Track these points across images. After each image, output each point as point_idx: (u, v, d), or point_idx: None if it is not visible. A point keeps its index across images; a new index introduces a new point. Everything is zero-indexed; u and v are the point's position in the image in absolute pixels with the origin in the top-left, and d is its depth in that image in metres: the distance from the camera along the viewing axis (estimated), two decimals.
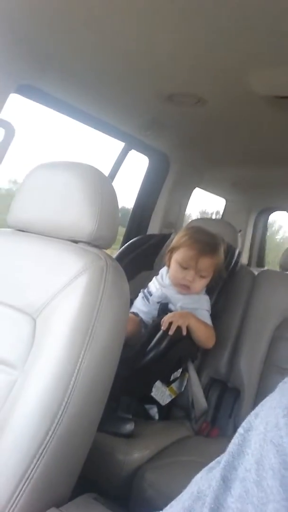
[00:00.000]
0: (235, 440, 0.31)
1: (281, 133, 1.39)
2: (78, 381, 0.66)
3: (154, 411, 1.40)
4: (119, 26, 0.87)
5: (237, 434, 0.31)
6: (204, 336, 1.32)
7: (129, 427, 1.16)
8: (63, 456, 0.63)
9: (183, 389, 1.43)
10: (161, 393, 1.35)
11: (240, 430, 0.31)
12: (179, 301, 1.37)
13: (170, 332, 1.21)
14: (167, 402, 1.36)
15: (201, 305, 1.38)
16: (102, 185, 0.85)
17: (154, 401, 1.35)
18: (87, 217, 0.81)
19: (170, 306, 1.37)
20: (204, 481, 0.31)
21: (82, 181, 0.83)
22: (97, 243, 0.84)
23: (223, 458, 0.31)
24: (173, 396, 1.38)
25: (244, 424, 0.32)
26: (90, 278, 0.74)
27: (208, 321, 1.36)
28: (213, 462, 0.33)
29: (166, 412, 1.45)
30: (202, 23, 0.78)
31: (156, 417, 1.39)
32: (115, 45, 0.96)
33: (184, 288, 1.36)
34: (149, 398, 1.33)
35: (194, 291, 1.37)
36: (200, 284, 1.35)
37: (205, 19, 0.77)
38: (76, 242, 0.85)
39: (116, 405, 1.20)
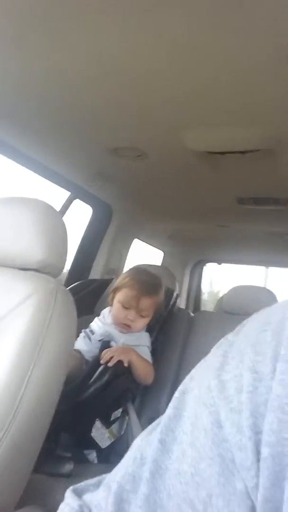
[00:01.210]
0: (172, 404, 0.32)
1: (210, 188, 1.59)
2: (26, 395, 0.68)
3: (93, 456, 1.37)
4: (67, 85, 0.97)
5: (173, 398, 0.33)
6: (144, 371, 1.37)
7: (68, 466, 1.13)
8: (9, 469, 0.63)
9: (122, 432, 1.43)
10: (101, 434, 1.34)
11: (176, 394, 0.33)
12: (121, 338, 1.42)
13: (110, 364, 1.24)
14: (107, 445, 1.35)
15: (142, 342, 1.44)
16: (52, 218, 0.92)
17: (93, 446, 1.33)
18: (37, 247, 0.87)
19: (112, 343, 1.41)
20: (145, 444, 0.32)
21: (33, 213, 0.90)
22: (46, 271, 0.89)
23: (161, 421, 0.32)
24: (112, 439, 1.37)
25: (180, 387, 0.33)
26: (40, 298, 0.78)
27: (148, 357, 1.41)
28: (152, 424, 0.34)
29: (105, 457, 1.42)
30: (142, 82, 0.91)
31: (95, 461, 1.36)
32: (66, 102, 1.07)
33: (125, 327, 1.42)
34: (88, 442, 1.31)
35: (135, 330, 1.43)
36: (141, 323, 1.42)
37: (144, 80, 0.90)
38: (25, 270, 0.89)
39: (55, 445, 1.17)
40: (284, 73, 0.77)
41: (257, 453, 0.25)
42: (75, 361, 1.35)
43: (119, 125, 1.15)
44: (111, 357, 1.27)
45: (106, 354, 1.28)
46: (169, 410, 0.32)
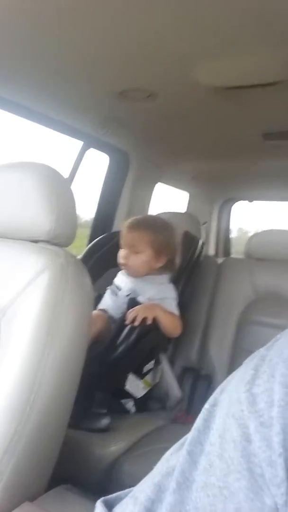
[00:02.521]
0: (201, 415, 0.32)
1: (232, 125, 1.44)
2: (44, 377, 0.67)
3: (130, 404, 1.42)
4: (67, 25, 0.87)
5: (203, 410, 0.32)
6: (171, 325, 1.35)
7: (104, 421, 1.18)
8: (34, 452, 0.64)
9: (157, 380, 1.46)
10: (136, 386, 1.37)
11: (206, 405, 0.33)
12: (146, 292, 1.39)
13: (136, 324, 1.23)
14: (142, 394, 1.39)
15: (168, 294, 1.41)
16: (57, 183, 0.86)
17: (129, 395, 1.37)
18: (44, 216, 0.82)
19: (139, 298, 1.39)
20: (174, 457, 0.32)
21: (36, 180, 0.84)
22: (56, 241, 0.85)
23: (190, 433, 0.32)
24: (147, 388, 1.41)
25: (210, 399, 0.33)
26: (50, 275, 0.75)
27: (175, 309, 1.39)
28: (182, 439, 0.34)
29: (142, 404, 1.47)
30: (146, 16, 0.80)
31: (133, 410, 1.41)
32: (64, 45, 0.96)
33: (124, 267, 1.40)
34: (124, 392, 1.35)
35: (133, 268, 1.38)
36: (136, 260, 1.37)
37: (149, 12, 0.79)
38: (36, 241, 0.85)
39: (90, 402, 1.21)
40: None
41: (287, 470, 0.25)
42: (102, 322, 1.35)
43: (122, 64, 1.02)
44: (136, 317, 1.25)
45: (130, 314, 1.27)
46: (198, 422, 0.32)
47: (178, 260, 1.57)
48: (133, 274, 1.41)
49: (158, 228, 1.39)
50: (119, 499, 0.37)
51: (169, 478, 0.30)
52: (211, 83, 1.04)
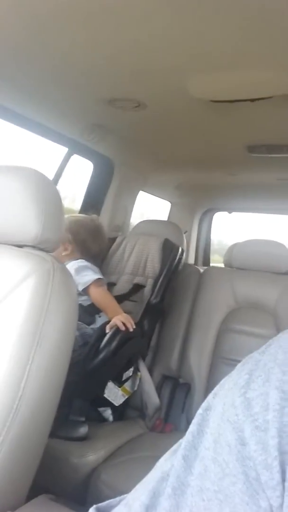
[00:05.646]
0: (195, 420, 0.32)
1: (218, 136, 1.47)
2: (28, 385, 0.66)
3: (108, 413, 1.41)
4: (59, 30, 0.87)
5: (197, 414, 0.32)
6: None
7: (82, 430, 1.16)
8: (16, 461, 0.63)
9: (136, 388, 1.45)
10: (114, 394, 1.36)
11: (199, 410, 0.33)
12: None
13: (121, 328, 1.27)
14: (121, 402, 1.38)
15: (81, 268, 1.50)
16: (44, 187, 0.85)
17: (107, 403, 1.36)
18: (31, 221, 0.81)
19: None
20: (168, 463, 0.32)
21: (24, 184, 0.82)
22: (42, 246, 0.84)
23: (184, 438, 0.32)
24: (126, 396, 1.40)
25: (203, 404, 0.33)
26: (36, 280, 0.74)
27: (95, 275, 1.48)
28: (176, 445, 0.34)
29: (120, 413, 1.46)
30: (141, 28, 0.81)
31: (110, 418, 1.40)
32: (55, 50, 0.96)
33: None
34: (102, 400, 1.33)
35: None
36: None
37: (144, 24, 0.80)
38: (21, 246, 0.84)
39: (68, 410, 1.19)
40: None
41: (283, 472, 0.25)
42: None
43: (113, 74, 1.02)
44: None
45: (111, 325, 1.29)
46: (192, 427, 0.32)
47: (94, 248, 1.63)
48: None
49: (74, 226, 1.60)
50: (111, 507, 0.37)
51: (163, 483, 0.30)
52: (202, 96, 1.06)
